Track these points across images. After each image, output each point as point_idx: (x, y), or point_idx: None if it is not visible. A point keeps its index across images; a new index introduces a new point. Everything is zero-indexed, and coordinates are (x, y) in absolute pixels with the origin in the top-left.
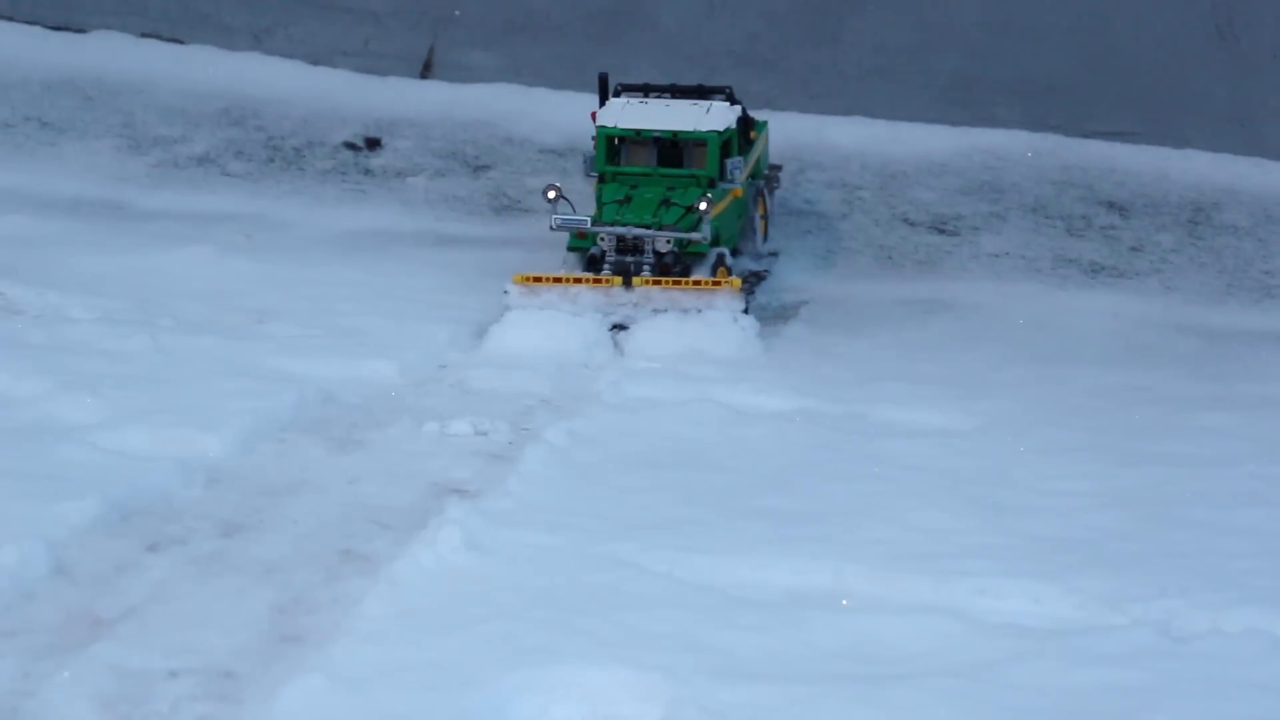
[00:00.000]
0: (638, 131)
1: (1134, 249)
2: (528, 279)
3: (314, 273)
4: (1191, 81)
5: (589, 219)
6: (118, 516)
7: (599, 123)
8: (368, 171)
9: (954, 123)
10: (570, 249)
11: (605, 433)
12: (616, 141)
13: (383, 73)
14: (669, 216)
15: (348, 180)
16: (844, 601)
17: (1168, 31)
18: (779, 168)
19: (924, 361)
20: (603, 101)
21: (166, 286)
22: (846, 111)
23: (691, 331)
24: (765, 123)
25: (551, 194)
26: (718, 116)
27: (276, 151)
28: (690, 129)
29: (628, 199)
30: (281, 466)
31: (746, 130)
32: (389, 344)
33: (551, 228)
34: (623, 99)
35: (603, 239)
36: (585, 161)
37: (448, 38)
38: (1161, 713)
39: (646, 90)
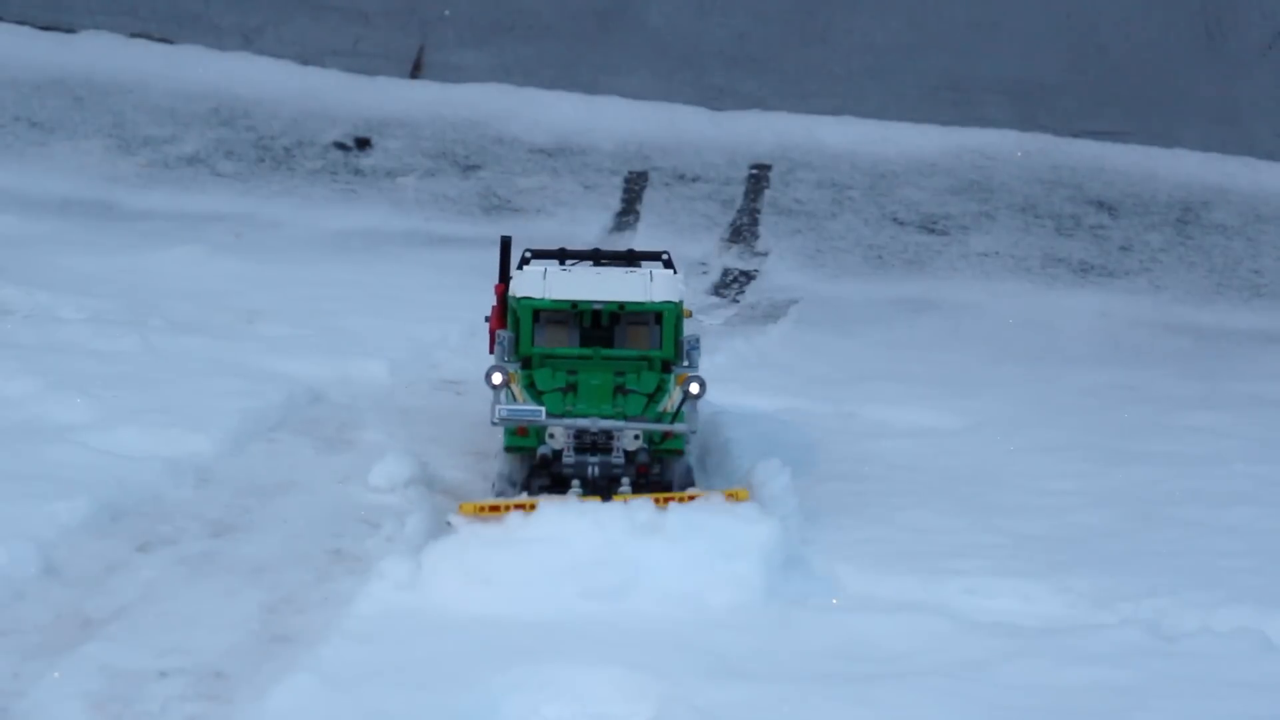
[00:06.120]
0: (573, 304)
1: (1123, 248)
2: (480, 508)
3: (304, 272)
4: (1180, 81)
5: (543, 410)
6: (108, 516)
7: (520, 294)
8: (358, 171)
9: (943, 122)
10: (508, 449)
11: None
12: (536, 317)
13: (372, 73)
14: (632, 407)
15: (338, 180)
16: (834, 600)
17: (1156, 32)
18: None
19: (913, 361)
20: (504, 269)
21: (156, 286)
22: (836, 111)
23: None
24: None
25: (497, 379)
26: (665, 286)
27: (266, 151)
28: (640, 300)
29: (571, 387)
30: (271, 466)
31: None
32: (379, 344)
33: (494, 422)
34: (537, 266)
35: (552, 435)
36: (502, 345)
37: (437, 38)
38: (1151, 711)
39: (562, 256)
